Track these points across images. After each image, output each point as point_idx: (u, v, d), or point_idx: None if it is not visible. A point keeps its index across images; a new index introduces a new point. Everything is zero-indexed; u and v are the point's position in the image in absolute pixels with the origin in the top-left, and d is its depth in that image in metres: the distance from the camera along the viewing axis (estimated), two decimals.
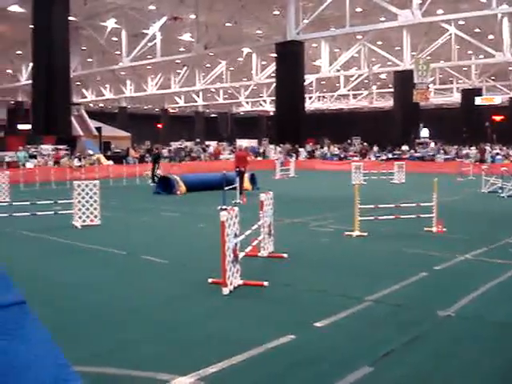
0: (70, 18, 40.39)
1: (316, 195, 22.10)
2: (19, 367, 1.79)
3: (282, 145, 45.52)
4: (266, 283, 7.73)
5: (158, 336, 5.88)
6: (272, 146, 47.40)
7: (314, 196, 21.81)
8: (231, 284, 7.44)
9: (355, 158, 41.07)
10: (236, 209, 7.95)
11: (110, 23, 52.03)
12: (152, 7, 48.08)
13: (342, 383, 4.65)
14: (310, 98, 72.96)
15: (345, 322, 6.25)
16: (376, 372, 4.87)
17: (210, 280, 7.85)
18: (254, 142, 60.11)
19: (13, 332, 1.91)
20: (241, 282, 7.73)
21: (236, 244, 7.69)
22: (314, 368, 4.98)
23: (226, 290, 7.29)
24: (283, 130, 47.17)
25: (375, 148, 45.92)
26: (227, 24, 50.84)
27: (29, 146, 34.84)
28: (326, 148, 48.19)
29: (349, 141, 49.96)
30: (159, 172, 28.07)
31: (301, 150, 45.51)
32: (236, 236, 7.74)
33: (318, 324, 6.10)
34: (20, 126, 55.10)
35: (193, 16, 48.83)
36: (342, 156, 45.09)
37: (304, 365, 5.05)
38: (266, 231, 9.70)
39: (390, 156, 41.67)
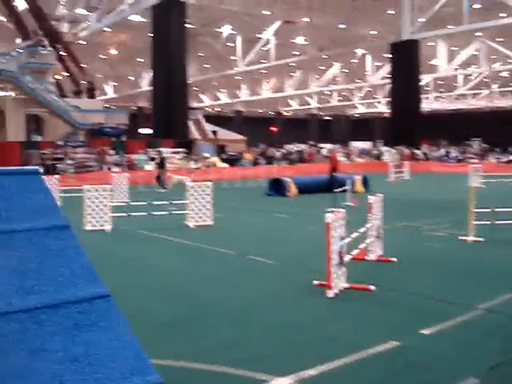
0: (188, 26, 41.78)
1: (431, 198, 21.41)
2: (104, 358, 1.89)
3: (396, 147, 44.65)
4: (372, 287, 7.58)
5: (262, 336, 5.92)
6: (387, 148, 46.60)
7: (428, 199, 21.15)
8: (336, 287, 7.37)
9: (474, 160, 39.42)
10: (342, 211, 7.87)
11: (226, 29, 53.40)
12: (266, 12, 48.77)
13: None
14: (427, 98, 70.99)
15: (453, 330, 6.00)
16: None
17: (315, 282, 7.82)
18: (368, 144, 59.34)
19: (97, 324, 2.03)
20: (346, 285, 7.64)
21: (342, 247, 7.61)
22: (417, 377, 4.81)
23: (330, 293, 7.23)
24: (398, 131, 46.33)
25: (496, 149, 43.94)
26: (340, 26, 50.60)
27: (149, 150, 36.41)
28: (442, 149, 46.69)
29: (467, 142, 48.08)
30: (170, 176, 27.30)
31: (417, 151, 44.40)
32: (342, 239, 7.66)
33: (424, 331, 5.89)
34: (141, 130, 57.91)
35: (306, 19, 49.05)
36: (460, 158, 43.45)
37: (406, 373, 4.90)
38: (375, 234, 9.52)
39: None
